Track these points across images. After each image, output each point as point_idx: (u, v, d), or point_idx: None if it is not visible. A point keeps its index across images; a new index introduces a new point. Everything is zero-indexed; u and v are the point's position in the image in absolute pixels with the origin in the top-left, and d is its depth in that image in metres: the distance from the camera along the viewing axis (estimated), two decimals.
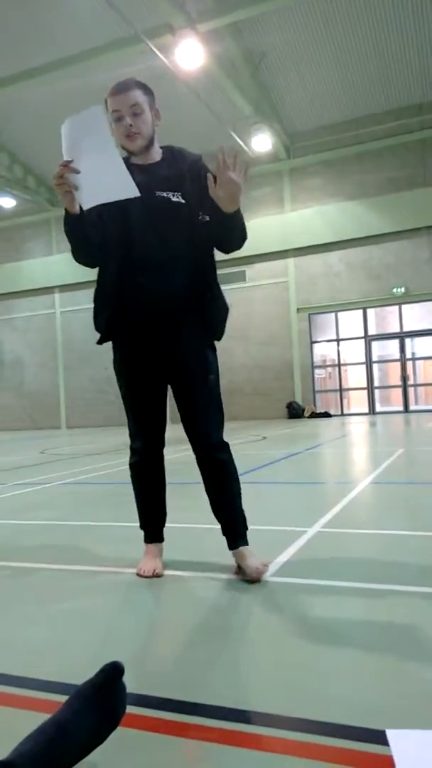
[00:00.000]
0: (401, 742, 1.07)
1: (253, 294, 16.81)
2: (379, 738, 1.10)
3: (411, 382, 16.52)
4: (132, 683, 1.23)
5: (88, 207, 1.98)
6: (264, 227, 16.37)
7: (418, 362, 16.83)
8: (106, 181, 1.90)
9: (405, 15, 12.04)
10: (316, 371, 16.94)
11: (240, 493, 2.25)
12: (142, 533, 2.36)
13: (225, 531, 2.23)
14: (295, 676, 1.39)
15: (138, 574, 2.21)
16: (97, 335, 2.21)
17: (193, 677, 1.40)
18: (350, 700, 1.26)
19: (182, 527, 2.94)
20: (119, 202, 1.96)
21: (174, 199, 2.06)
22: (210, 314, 2.16)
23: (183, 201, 2.06)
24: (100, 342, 2.24)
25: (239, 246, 2.13)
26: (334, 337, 16.81)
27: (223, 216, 1.97)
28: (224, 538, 2.23)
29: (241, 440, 9.00)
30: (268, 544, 2.53)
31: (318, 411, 16.25)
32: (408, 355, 16.45)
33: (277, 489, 4.28)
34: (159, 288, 2.08)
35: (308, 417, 15.94)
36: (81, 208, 1.98)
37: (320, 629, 1.66)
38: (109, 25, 11.63)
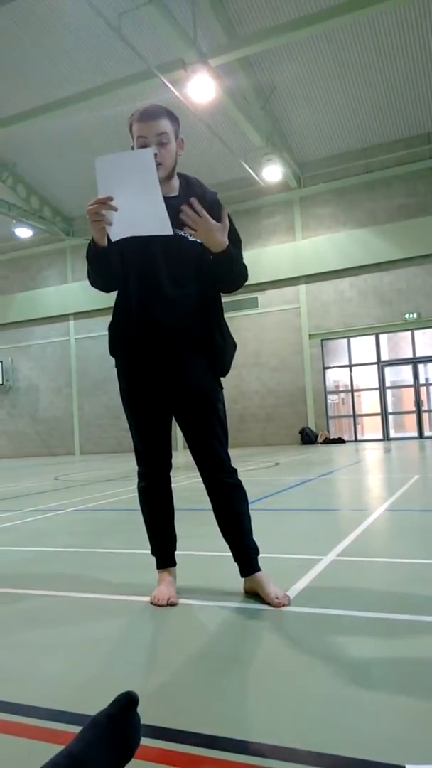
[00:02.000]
0: None
1: (265, 320, 16.89)
2: None
3: (425, 407, 16.39)
4: (146, 714, 1.21)
5: (117, 239, 2.01)
6: (275, 255, 16.53)
7: None
8: (140, 217, 1.94)
9: (413, 45, 12.29)
10: (329, 397, 16.88)
11: (250, 518, 2.25)
12: (153, 560, 2.35)
13: (238, 557, 2.22)
14: (312, 708, 1.36)
15: (152, 603, 2.19)
16: (111, 360, 2.26)
17: (209, 708, 1.38)
18: (368, 733, 1.23)
19: (192, 554, 2.92)
20: (141, 236, 2.00)
21: (191, 238, 2.09)
22: (218, 350, 2.19)
23: (198, 241, 2.08)
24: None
25: (236, 286, 2.19)
26: (347, 363, 16.79)
27: (213, 256, 2.05)
28: (236, 564, 2.22)
29: (254, 466, 8.95)
30: (282, 572, 2.49)
31: (331, 437, 16.14)
32: (422, 381, 16.36)
33: (290, 516, 4.23)
34: (171, 324, 2.13)
35: (321, 443, 15.84)
36: (108, 240, 2.02)
37: (337, 661, 1.63)
38: (124, 61, 11.99)
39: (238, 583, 2.27)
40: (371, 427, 17.01)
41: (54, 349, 20.06)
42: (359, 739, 1.21)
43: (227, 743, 1.22)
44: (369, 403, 17.01)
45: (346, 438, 16.36)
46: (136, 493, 2.37)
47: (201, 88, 11.33)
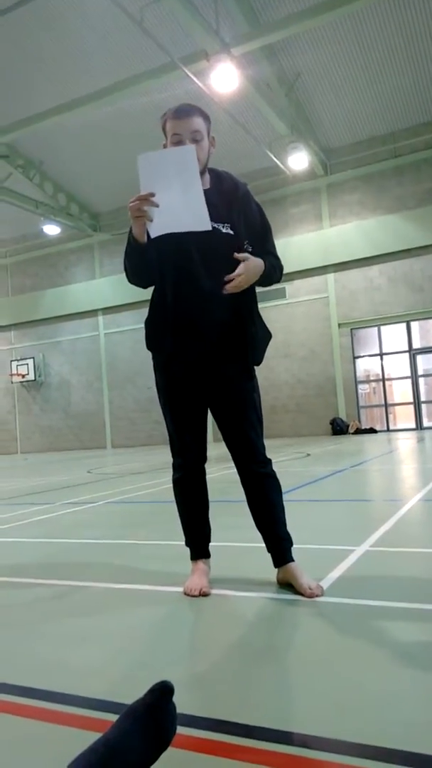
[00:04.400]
0: None
1: (294, 310, 16.76)
2: None
3: None
4: (183, 703, 1.22)
5: (156, 235, 2.04)
6: (303, 244, 16.36)
7: None
8: (180, 214, 1.98)
9: (408, 33, 11.96)
10: (360, 386, 16.68)
11: (284, 509, 2.26)
12: (188, 551, 2.36)
13: (271, 547, 2.23)
14: (351, 698, 1.35)
15: (185, 593, 2.20)
16: (141, 354, 2.29)
17: (245, 698, 1.38)
18: (410, 724, 1.21)
19: (224, 546, 2.92)
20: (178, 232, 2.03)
21: (224, 230, 2.12)
22: (253, 341, 2.21)
23: (231, 232, 2.13)
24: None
25: (271, 283, 2.26)
26: (377, 352, 16.56)
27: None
28: (269, 555, 2.22)
29: (285, 457, 8.91)
30: (315, 563, 2.48)
31: (363, 427, 15.97)
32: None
33: (322, 507, 4.21)
34: (207, 316, 2.15)
35: (353, 433, 15.68)
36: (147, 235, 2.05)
37: (374, 650, 1.61)
38: (147, 54, 11.97)
39: (271, 573, 2.27)
40: (404, 417, 16.76)
41: (84, 344, 20.28)
42: (399, 729, 1.19)
43: (264, 732, 1.22)
44: (401, 392, 16.76)
45: (378, 428, 16.16)
46: (171, 485, 2.38)
47: (224, 78, 11.24)
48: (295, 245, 16.36)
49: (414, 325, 16.06)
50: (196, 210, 1.95)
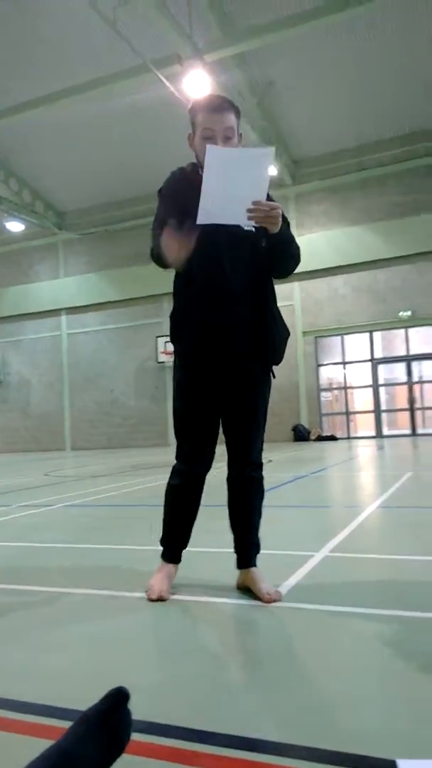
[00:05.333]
0: None
1: None
2: None
3: (418, 405, 16.45)
4: (138, 709, 1.20)
5: (201, 223, 1.96)
6: None
7: (425, 385, 16.78)
8: (233, 208, 1.93)
9: (410, 42, 12.27)
10: (323, 394, 16.90)
11: (261, 515, 2.29)
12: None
13: (240, 549, 2.24)
14: (305, 703, 1.35)
15: (146, 591, 2.18)
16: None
17: (201, 703, 1.37)
18: (361, 728, 1.23)
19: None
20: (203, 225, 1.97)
21: (245, 228, 2.07)
22: (274, 339, 2.17)
23: (252, 230, 2.07)
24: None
25: (292, 267, 2.18)
26: (341, 360, 16.82)
27: (272, 237, 2.01)
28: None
29: None
30: (275, 568, 2.49)
31: (324, 434, 16.18)
32: (415, 378, 16.41)
33: (283, 513, 4.24)
34: (233, 311, 2.10)
35: (314, 440, 15.87)
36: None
37: (329, 656, 1.62)
38: (119, 55, 11.91)
39: (229, 579, 2.27)
40: (364, 425, 17.05)
41: (46, 344, 19.96)
42: (351, 733, 1.21)
43: (218, 738, 1.21)
44: (362, 400, 17.05)
45: (339, 435, 16.40)
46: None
47: (196, 84, 11.28)
48: None
49: (376, 335, 16.38)
50: (247, 207, 1.91)
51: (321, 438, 15.94)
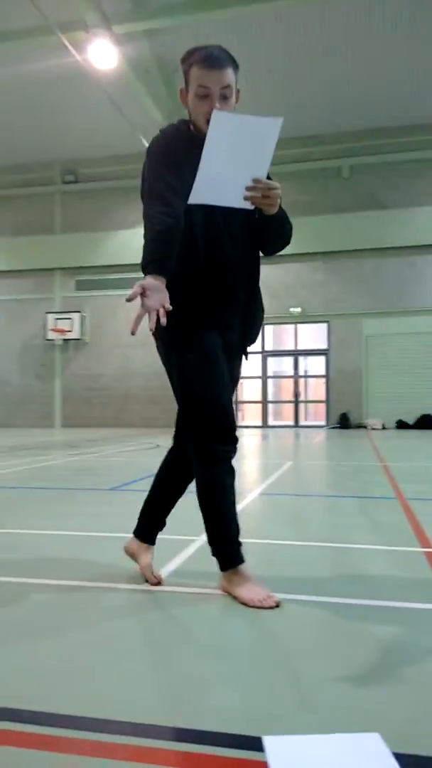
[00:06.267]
0: (276, 748, 1.08)
1: None
2: (256, 745, 1.11)
3: (302, 398, 17.22)
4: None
5: (194, 202, 1.81)
6: None
7: (309, 380, 17.58)
8: (232, 188, 1.78)
9: (316, 46, 12.64)
10: None
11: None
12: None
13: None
14: (175, 685, 1.37)
15: (146, 577, 2.10)
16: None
17: (69, 688, 1.34)
18: (229, 708, 1.26)
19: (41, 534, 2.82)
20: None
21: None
22: (252, 319, 2.08)
23: (251, 208, 1.91)
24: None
25: (280, 248, 2.07)
26: None
27: (268, 215, 1.90)
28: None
29: (134, 448, 8.89)
30: (156, 552, 2.49)
31: None
32: (301, 372, 17.15)
33: None
34: (235, 287, 1.99)
35: None
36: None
37: (202, 638, 1.65)
38: (20, 11, 11.20)
39: (100, 563, 2.23)
40: (251, 415, 17.56)
41: None
42: (220, 713, 1.23)
43: (86, 722, 1.19)
44: (251, 391, 17.55)
45: None
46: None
47: (102, 55, 10.91)
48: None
49: (268, 329, 16.88)
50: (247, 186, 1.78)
51: None
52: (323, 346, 16.61)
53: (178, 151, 1.90)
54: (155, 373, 16.75)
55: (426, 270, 15.91)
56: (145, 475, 5.31)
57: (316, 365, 17.25)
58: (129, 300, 1.66)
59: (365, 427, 15.68)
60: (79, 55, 11.11)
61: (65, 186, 17.83)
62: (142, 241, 1.87)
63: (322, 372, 16.80)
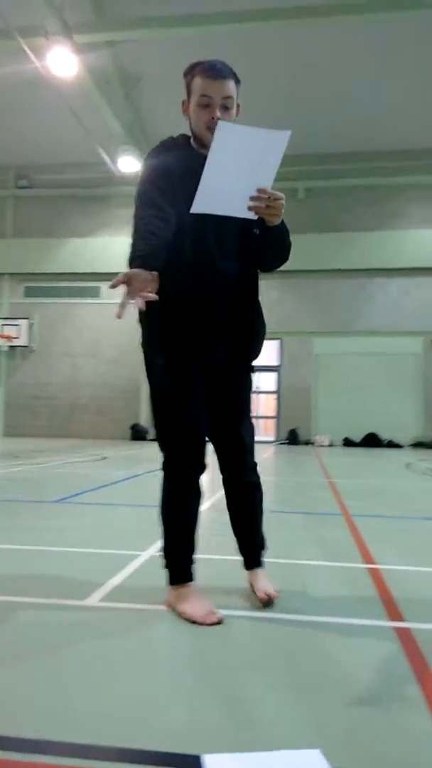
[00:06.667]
0: (216, 766, 1.07)
1: (108, 311, 16.60)
2: (195, 764, 1.09)
3: (254, 414, 17.31)
4: None
5: (197, 212, 1.78)
6: (123, 246, 16.19)
7: (261, 396, 17.74)
8: (234, 198, 1.75)
9: (278, 70, 12.93)
10: None
11: (263, 515, 2.20)
12: None
13: (246, 550, 2.18)
14: (115, 705, 1.34)
15: (198, 622, 1.84)
16: None
17: (2, 709, 1.29)
18: (170, 728, 1.24)
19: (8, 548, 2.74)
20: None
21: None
22: (258, 332, 2.08)
23: (254, 218, 1.86)
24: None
25: (278, 264, 2.05)
26: None
27: (269, 228, 1.88)
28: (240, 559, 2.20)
29: (81, 459, 8.73)
30: (99, 567, 2.45)
31: None
32: (253, 389, 17.25)
33: (113, 511, 4.19)
34: (223, 300, 1.97)
35: (152, 440, 15.97)
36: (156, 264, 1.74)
37: (141, 655, 1.63)
38: None
39: (40, 579, 2.18)
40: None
41: None
42: (159, 732, 1.21)
43: (22, 743, 1.15)
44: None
45: None
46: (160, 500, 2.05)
47: (62, 63, 10.82)
48: (115, 246, 16.27)
49: None
50: (250, 197, 1.75)
51: None
52: (275, 362, 16.82)
53: (176, 162, 1.94)
54: (104, 384, 16.55)
55: (375, 293, 16.40)
56: (95, 486, 5.21)
57: (267, 381, 17.43)
58: (112, 287, 1.67)
59: (313, 443, 15.92)
60: (39, 62, 11.00)
61: (18, 191, 17.52)
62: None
63: (274, 388, 16.99)
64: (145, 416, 16.48)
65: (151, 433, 16.04)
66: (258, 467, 2.19)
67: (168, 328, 1.95)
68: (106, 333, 16.58)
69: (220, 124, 1.69)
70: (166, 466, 2.01)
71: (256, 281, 2.09)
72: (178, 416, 1.97)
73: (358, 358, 16.17)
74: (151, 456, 10.10)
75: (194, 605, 1.89)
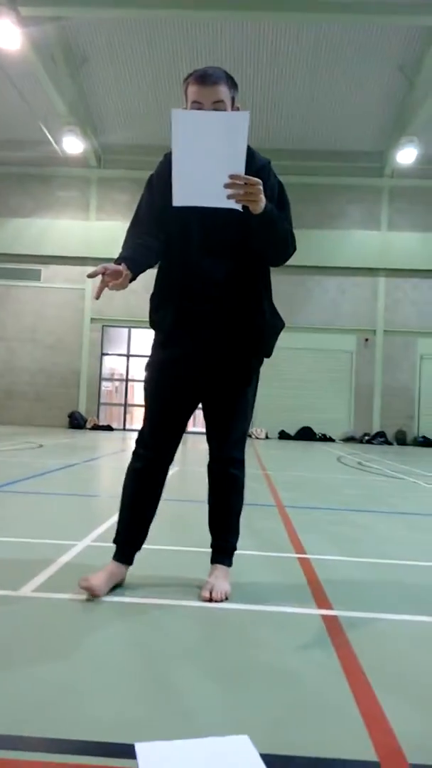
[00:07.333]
0: (147, 754, 1.10)
1: (47, 296, 16.21)
2: (129, 752, 1.11)
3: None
4: None
5: (179, 205, 1.76)
6: (66, 230, 15.98)
7: None
8: (212, 186, 1.71)
9: (219, 48, 12.89)
10: (104, 384, 16.89)
11: (241, 512, 2.22)
12: None
13: (215, 544, 2.19)
14: (45, 695, 1.33)
15: (83, 586, 1.95)
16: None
17: None
18: (101, 717, 1.25)
19: None
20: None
21: (227, 208, 1.86)
22: (261, 333, 2.06)
23: (239, 208, 1.82)
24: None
25: (283, 255, 2.02)
26: (125, 352, 16.98)
27: (254, 219, 1.85)
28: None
29: (15, 447, 8.52)
30: (34, 557, 2.41)
31: (100, 423, 16.18)
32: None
33: (48, 500, 4.13)
34: (213, 300, 1.99)
35: (90, 429, 15.77)
36: (131, 267, 1.86)
37: (77, 646, 1.63)
38: None
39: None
40: (140, 418, 17.45)
41: None
42: (94, 722, 1.22)
43: None
44: (142, 394, 17.44)
45: (115, 426, 16.53)
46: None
47: (6, 34, 10.42)
48: (57, 229, 15.89)
49: None
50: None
51: (97, 427, 15.91)
52: None
53: (162, 168, 2.02)
54: (42, 370, 16.17)
55: (314, 290, 16.74)
56: (30, 475, 5.11)
57: None
58: (90, 277, 1.79)
59: (250, 435, 16.15)
60: None
61: None
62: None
63: None
64: (84, 405, 16.23)
65: (90, 422, 15.87)
66: (244, 464, 2.23)
67: (160, 328, 2.07)
68: (45, 318, 16.18)
69: (174, 112, 1.71)
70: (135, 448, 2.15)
71: (258, 278, 2.07)
72: (151, 406, 2.13)
73: (297, 353, 16.48)
74: (87, 445, 9.98)
75: (96, 576, 1.99)
